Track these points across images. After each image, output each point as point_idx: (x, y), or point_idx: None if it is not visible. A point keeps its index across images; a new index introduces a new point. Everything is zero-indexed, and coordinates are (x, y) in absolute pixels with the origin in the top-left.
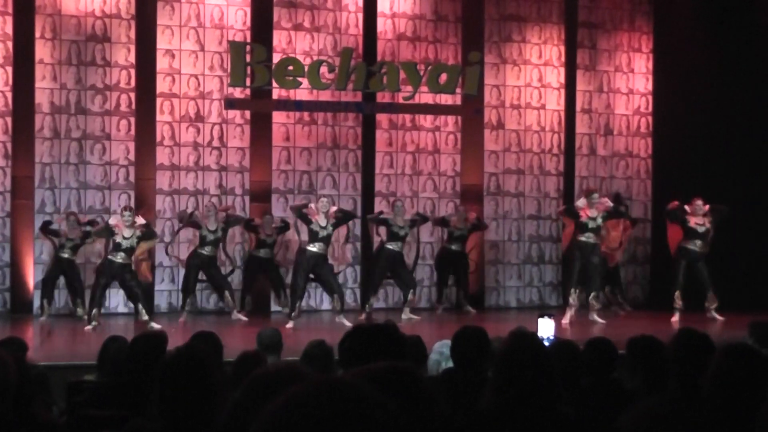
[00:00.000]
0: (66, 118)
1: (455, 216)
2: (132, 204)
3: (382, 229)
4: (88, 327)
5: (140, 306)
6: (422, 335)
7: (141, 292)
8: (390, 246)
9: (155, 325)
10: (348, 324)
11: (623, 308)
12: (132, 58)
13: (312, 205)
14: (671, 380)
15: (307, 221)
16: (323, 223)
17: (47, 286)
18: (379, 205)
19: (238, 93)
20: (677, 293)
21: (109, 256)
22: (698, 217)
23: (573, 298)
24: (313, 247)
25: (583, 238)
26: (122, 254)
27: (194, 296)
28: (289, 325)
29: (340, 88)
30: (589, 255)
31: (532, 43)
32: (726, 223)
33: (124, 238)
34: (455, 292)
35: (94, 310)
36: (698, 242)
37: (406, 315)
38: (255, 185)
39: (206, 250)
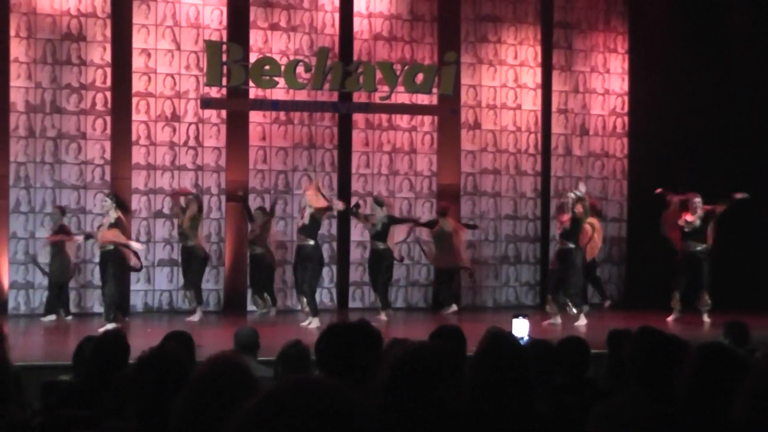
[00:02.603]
0: (41, 117)
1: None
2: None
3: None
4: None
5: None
6: (398, 335)
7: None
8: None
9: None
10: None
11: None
12: (108, 57)
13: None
14: (631, 379)
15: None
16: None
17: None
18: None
19: (214, 92)
20: (676, 294)
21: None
22: (691, 214)
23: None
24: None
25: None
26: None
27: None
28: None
29: (316, 87)
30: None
31: (508, 43)
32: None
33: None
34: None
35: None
36: (693, 242)
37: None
38: (231, 185)
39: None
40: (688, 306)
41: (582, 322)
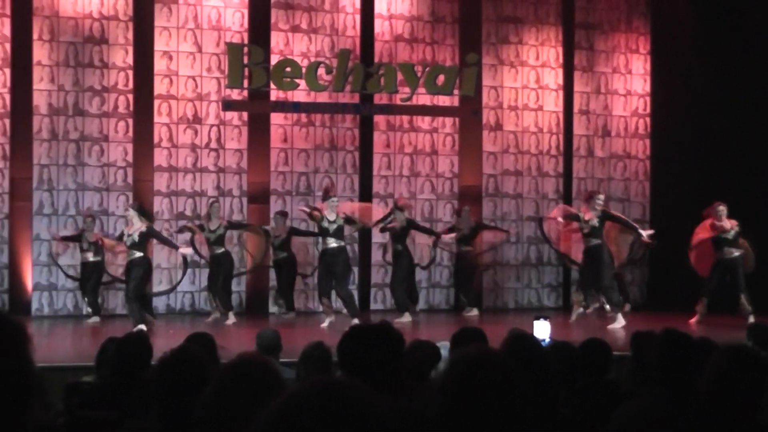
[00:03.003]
0: (64, 119)
1: (460, 217)
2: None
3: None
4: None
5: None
6: (420, 337)
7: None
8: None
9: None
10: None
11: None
12: (130, 60)
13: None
14: (654, 381)
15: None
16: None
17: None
18: (377, 207)
19: (235, 94)
20: (704, 300)
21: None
22: (724, 222)
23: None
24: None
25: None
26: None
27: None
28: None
29: (337, 89)
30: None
31: (529, 44)
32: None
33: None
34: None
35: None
36: (728, 249)
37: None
38: (253, 187)
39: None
40: (722, 310)
41: (619, 324)
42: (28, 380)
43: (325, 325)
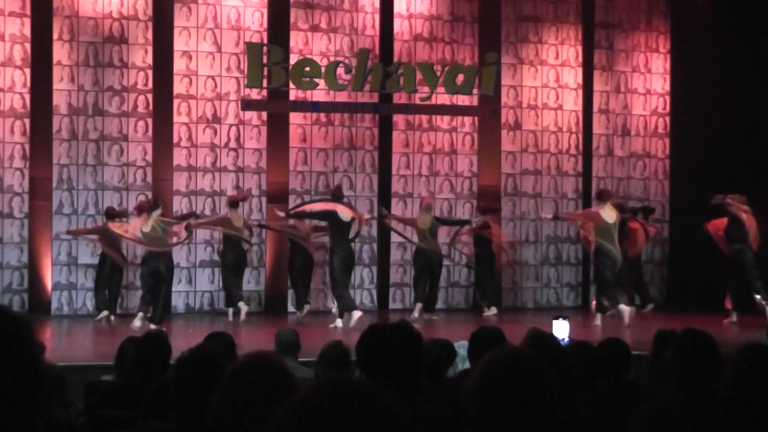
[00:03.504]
0: (84, 119)
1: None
2: None
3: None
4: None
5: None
6: (437, 336)
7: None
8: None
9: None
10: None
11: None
12: (149, 60)
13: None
14: (674, 380)
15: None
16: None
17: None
18: (396, 206)
19: (254, 94)
20: (729, 295)
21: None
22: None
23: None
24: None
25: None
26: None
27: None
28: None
29: (356, 89)
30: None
31: (549, 43)
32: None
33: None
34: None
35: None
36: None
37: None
38: (272, 186)
39: None
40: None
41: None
42: (36, 377)
43: (334, 324)
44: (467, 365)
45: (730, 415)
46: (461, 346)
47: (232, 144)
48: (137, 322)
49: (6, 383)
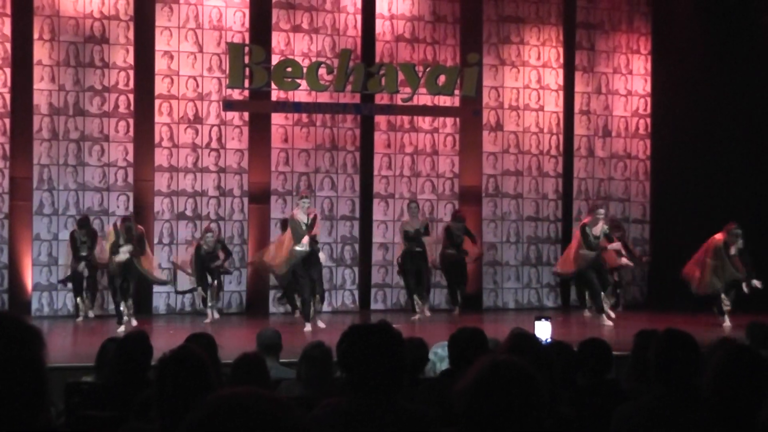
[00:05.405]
0: (64, 119)
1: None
2: (131, 206)
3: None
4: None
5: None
6: (414, 336)
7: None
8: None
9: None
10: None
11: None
12: (130, 60)
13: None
14: (655, 380)
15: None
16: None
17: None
18: (378, 207)
19: (236, 94)
20: (722, 296)
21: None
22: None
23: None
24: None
25: None
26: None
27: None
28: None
29: (338, 89)
30: None
31: (530, 44)
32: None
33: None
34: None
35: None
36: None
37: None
38: (254, 186)
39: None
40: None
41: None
42: (44, 382)
43: (313, 326)
44: (446, 366)
45: (710, 413)
46: (440, 347)
47: (214, 144)
48: (122, 328)
49: (16, 386)
